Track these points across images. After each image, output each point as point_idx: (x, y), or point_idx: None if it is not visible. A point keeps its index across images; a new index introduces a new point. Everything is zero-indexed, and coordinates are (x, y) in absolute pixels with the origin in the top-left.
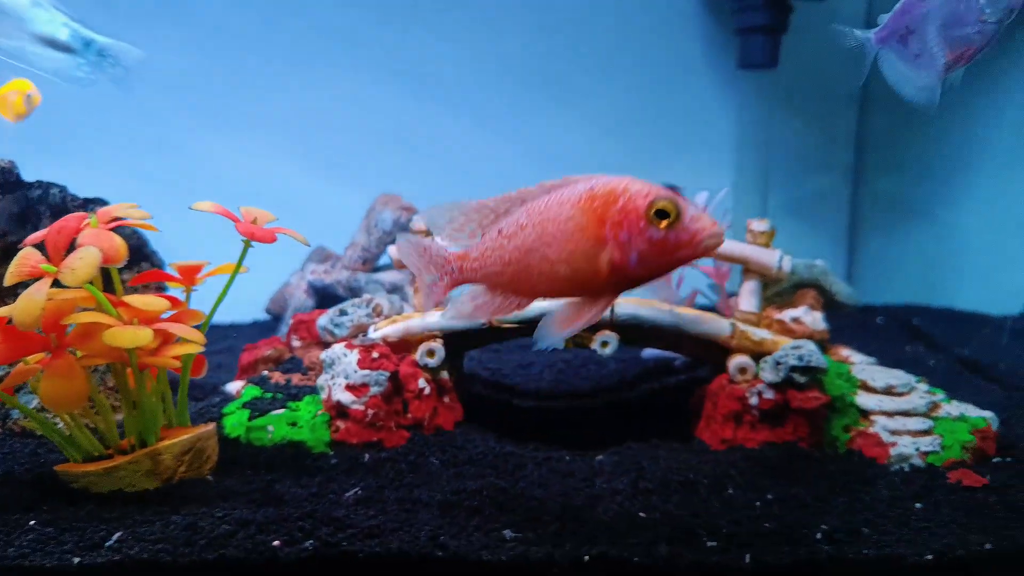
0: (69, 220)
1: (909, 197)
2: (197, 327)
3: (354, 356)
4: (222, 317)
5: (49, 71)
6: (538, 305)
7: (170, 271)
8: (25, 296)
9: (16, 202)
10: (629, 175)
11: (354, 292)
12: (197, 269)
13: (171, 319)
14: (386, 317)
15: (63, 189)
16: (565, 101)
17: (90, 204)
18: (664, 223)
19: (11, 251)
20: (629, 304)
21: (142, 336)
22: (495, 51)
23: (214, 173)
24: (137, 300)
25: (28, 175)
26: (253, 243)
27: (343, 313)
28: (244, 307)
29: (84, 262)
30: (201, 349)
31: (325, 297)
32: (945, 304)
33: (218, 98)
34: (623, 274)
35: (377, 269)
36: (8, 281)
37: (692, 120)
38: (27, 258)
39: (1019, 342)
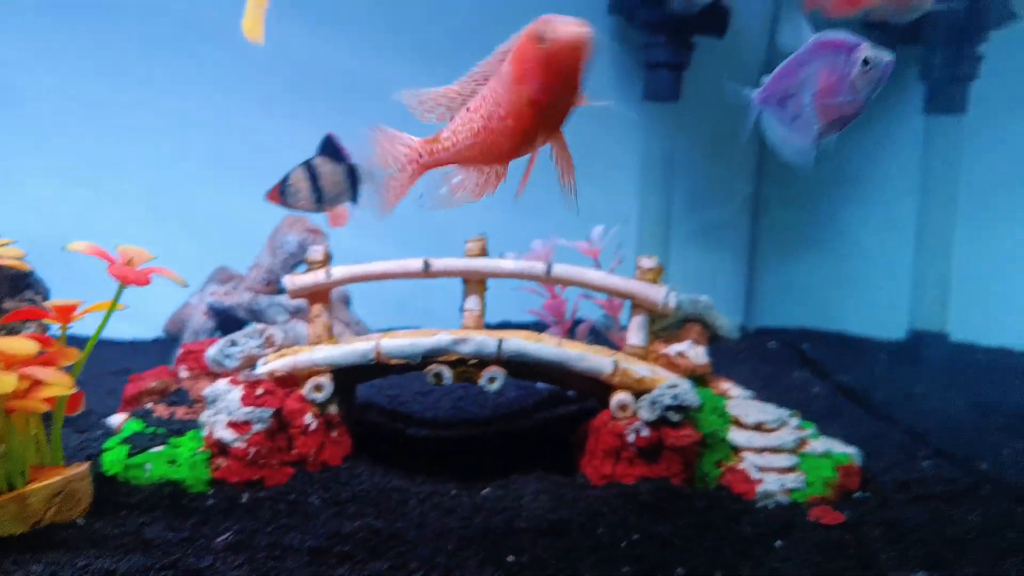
0: None
1: (805, 226)
2: (69, 368)
3: (238, 392)
4: (123, 333)
5: None
6: (425, 341)
7: (46, 307)
8: None
9: None
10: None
11: (255, 315)
12: (73, 308)
13: (44, 359)
14: (278, 348)
15: None
16: None
17: None
18: (542, 42)
19: None
20: (516, 340)
21: (5, 383)
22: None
23: (116, 179)
24: (3, 344)
25: None
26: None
27: (233, 344)
28: (147, 322)
29: None
30: (70, 392)
31: (226, 319)
32: (837, 328)
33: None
34: (539, 106)
35: (281, 291)
36: None
37: (601, 148)
38: None
39: (898, 368)
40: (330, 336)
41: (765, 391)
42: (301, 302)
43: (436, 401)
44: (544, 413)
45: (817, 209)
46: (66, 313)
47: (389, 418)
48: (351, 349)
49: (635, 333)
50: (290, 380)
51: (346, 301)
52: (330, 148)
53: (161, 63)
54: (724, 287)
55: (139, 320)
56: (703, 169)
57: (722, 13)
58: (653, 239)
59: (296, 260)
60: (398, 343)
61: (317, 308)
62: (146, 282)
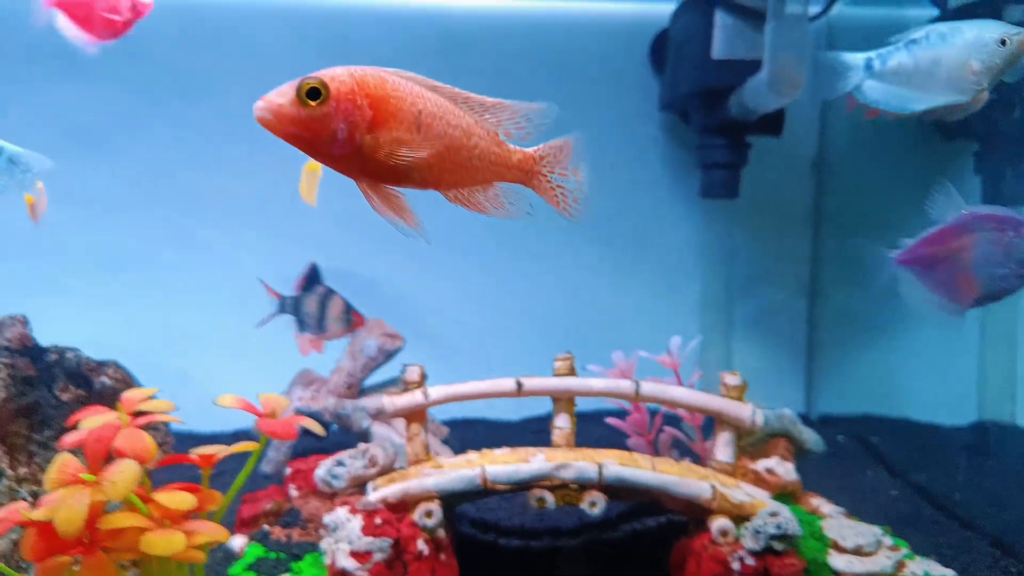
0: (106, 430)
1: (864, 310)
2: (210, 517)
3: (357, 522)
4: (201, 427)
5: None
6: (528, 468)
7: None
8: (67, 505)
9: (31, 365)
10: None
11: (341, 420)
12: (214, 455)
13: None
14: (381, 467)
15: (77, 353)
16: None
17: (103, 367)
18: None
19: (24, 411)
20: (616, 467)
21: (176, 543)
22: None
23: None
24: (166, 499)
25: None
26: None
27: (340, 464)
28: (224, 416)
29: (124, 476)
30: (225, 540)
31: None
32: (901, 414)
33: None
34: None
35: (362, 391)
36: (49, 487)
37: (660, 242)
38: (67, 465)
39: (971, 462)
40: (427, 454)
41: (842, 495)
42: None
43: (521, 506)
44: (632, 524)
45: (875, 291)
46: (208, 459)
47: (480, 528)
48: (458, 476)
49: (722, 450)
50: (401, 506)
51: None
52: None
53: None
54: (782, 373)
55: (215, 414)
56: (759, 256)
57: (779, 114)
58: (714, 330)
59: (375, 364)
60: (503, 470)
61: (415, 428)
62: (293, 436)
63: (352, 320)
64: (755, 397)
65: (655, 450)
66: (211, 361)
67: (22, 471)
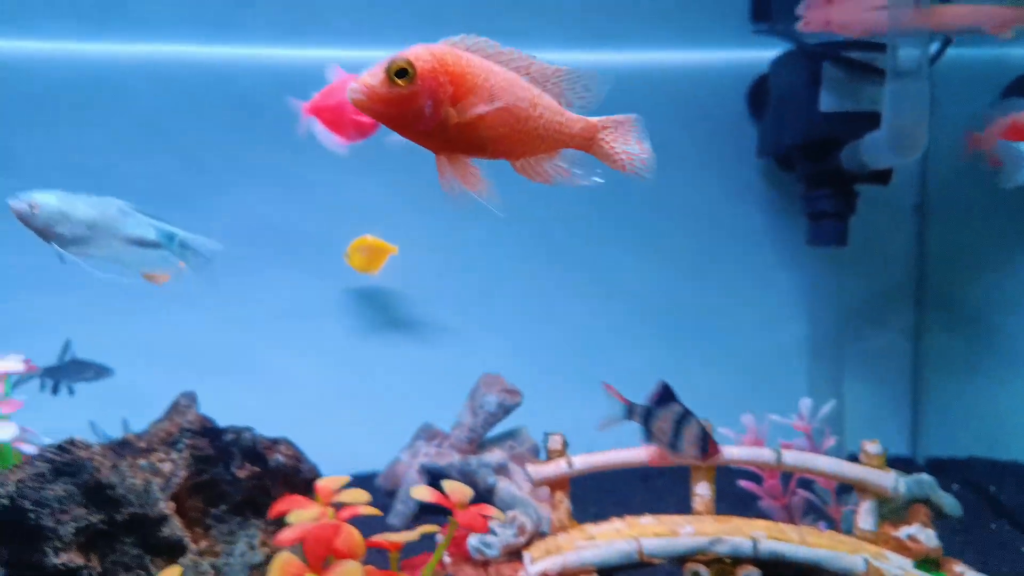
0: (325, 529)
1: (969, 350)
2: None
3: None
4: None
5: (144, 268)
6: (684, 542)
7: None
8: None
9: (211, 446)
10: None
11: (466, 476)
12: (400, 544)
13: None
14: (530, 534)
15: (252, 432)
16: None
17: (277, 444)
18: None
19: (201, 487)
20: (770, 542)
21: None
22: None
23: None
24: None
25: None
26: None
27: (493, 533)
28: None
29: None
30: None
31: (437, 479)
32: (1010, 457)
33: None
34: None
35: (481, 445)
36: None
37: (759, 287)
38: (289, 564)
39: None
40: (571, 521)
41: (970, 552)
42: (504, 459)
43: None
44: None
45: (980, 332)
46: (396, 545)
47: None
48: (615, 549)
49: (865, 518)
50: None
51: (535, 452)
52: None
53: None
54: (887, 416)
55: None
56: (862, 300)
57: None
58: (821, 377)
59: (496, 419)
60: (659, 544)
61: (560, 496)
62: (484, 529)
63: (708, 449)
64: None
65: (789, 513)
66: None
67: (202, 544)
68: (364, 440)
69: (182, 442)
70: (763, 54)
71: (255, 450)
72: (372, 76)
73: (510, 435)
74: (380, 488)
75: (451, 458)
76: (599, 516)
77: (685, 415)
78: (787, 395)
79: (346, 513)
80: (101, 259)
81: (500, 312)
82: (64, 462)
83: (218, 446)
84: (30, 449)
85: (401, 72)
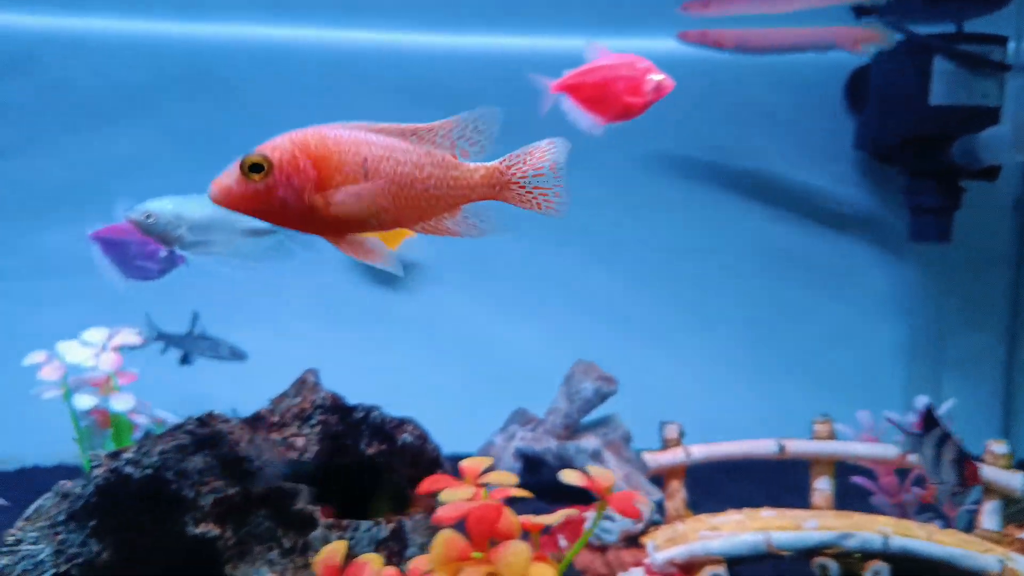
0: (488, 510)
1: None
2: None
3: None
4: None
5: (257, 257)
6: (813, 536)
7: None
8: None
9: (341, 422)
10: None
11: (564, 461)
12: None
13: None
14: (646, 522)
15: (380, 411)
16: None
17: (403, 424)
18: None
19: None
20: (901, 538)
21: None
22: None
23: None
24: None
25: None
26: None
27: (610, 519)
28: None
29: (519, 558)
30: None
31: (532, 464)
32: None
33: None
34: None
35: (575, 431)
36: (435, 564)
37: (853, 285)
38: (454, 543)
39: None
40: (687, 511)
41: None
42: (599, 445)
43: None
44: None
45: None
46: (538, 527)
47: None
48: (743, 541)
49: (989, 518)
50: (687, 567)
51: (627, 440)
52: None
53: None
54: (980, 417)
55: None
56: (958, 298)
57: None
58: (920, 377)
59: (591, 406)
60: (788, 536)
61: (676, 485)
62: (636, 515)
63: (966, 472)
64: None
65: (903, 511)
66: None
67: (331, 518)
68: (454, 421)
69: (314, 418)
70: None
71: (383, 428)
72: (227, 175)
73: (603, 422)
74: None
75: (547, 443)
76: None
77: (945, 437)
78: (883, 394)
79: (499, 494)
80: (221, 254)
81: (583, 303)
82: (204, 434)
83: (348, 423)
84: (143, 420)
85: (255, 167)
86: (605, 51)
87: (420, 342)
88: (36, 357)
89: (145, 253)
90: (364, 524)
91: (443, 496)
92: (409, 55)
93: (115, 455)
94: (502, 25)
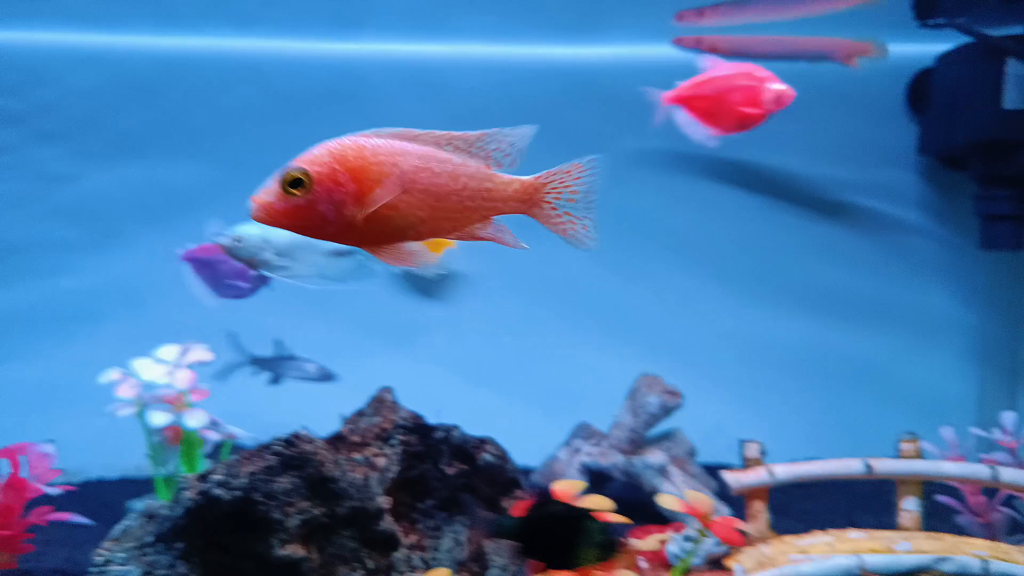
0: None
1: None
2: None
3: None
4: None
5: (339, 277)
6: (909, 560)
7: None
8: None
9: (421, 442)
10: None
11: (631, 478)
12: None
13: None
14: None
15: (460, 431)
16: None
17: (484, 444)
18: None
19: (409, 483)
20: (1001, 563)
21: None
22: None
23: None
24: None
25: None
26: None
27: (691, 540)
28: None
29: None
30: None
31: (598, 478)
32: None
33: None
34: None
35: (639, 446)
36: None
37: (929, 294)
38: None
39: None
40: (770, 531)
41: None
42: (665, 460)
43: None
44: None
45: None
46: (659, 555)
47: None
48: (836, 564)
49: None
50: None
51: (692, 453)
52: None
53: None
54: None
55: None
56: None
57: None
58: (993, 385)
59: (656, 420)
60: (882, 560)
61: (758, 506)
62: (739, 542)
63: None
64: None
65: (991, 531)
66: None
67: (411, 538)
68: (512, 435)
69: (395, 438)
70: (925, 48)
71: (464, 448)
72: (267, 192)
73: (667, 436)
74: (536, 484)
75: (614, 458)
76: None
77: None
78: (954, 408)
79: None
80: (304, 276)
81: (646, 314)
82: (291, 455)
83: (428, 443)
84: (214, 436)
85: (295, 182)
86: (714, 59)
87: (472, 356)
88: (112, 375)
89: (236, 272)
90: (444, 544)
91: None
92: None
93: (204, 477)
94: (496, 34)
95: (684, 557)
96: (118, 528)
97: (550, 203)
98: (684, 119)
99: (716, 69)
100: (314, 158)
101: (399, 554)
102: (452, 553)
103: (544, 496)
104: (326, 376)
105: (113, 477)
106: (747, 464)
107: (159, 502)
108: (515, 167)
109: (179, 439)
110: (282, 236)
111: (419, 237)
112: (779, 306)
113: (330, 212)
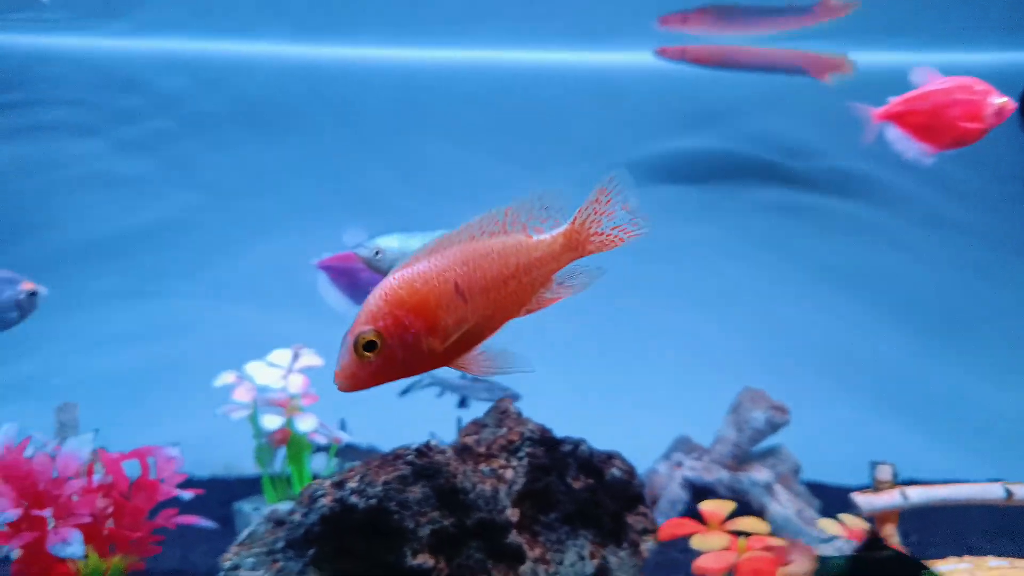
0: (765, 563)
1: None
2: None
3: None
4: None
5: None
6: None
7: None
8: None
9: (547, 455)
10: None
11: (736, 494)
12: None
13: None
14: None
15: (588, 445)
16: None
17: (611, 459)
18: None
19: (532, 495)
20: None
21: None
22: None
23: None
24: None
25: None
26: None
27: None
28: None
29: None
30: None
31: (701, 494)
32: None
33: None
34: None
35: (742, 462)
36: None
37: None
38: None
39: None
40: None
41: None
42: (771, 478)
43: None
44: None
45: None
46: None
47: None
48: None
49: None
50: None
51: (797, 471)
52: None
53: None
54: None
55: None
56: None
57: None
58: None
59: (762, 437)
60: None
61: (889, 529)
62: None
63: None
64: None
65: None
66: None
67: (536, 552)
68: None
69: (523, 450)
70: None
71: (591, 462)
72: (346, 365)
73: (771, 453)
74: None
75: (718, 474)
76: None
77: None
78: None
79: (756, 543)
80: None
81: (740, 322)
82: (423, 465)
83: (555, 456)
84: (321, 440)
85: (369, 346)
86: (935, 74)
87: (563, 365)
88: (227, 378)
89: (375, 282)
90: (567, 558)
91: (696, 543)
92: None
93: (339, 484)
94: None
95: None
96: (244, 533)
97: (599, 235)
98: (896, 136)
99: (931, 83)
100: (374, 313)
101: (525, 568)
102: (575, 568)
103: (872, 537)
104: (513, 397)
105: (203, 476)
106: (878, 486)
107: (285, 507)
108: (561, 220)
109: (285, 441)
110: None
111: (494, 330)
112: (896, 317)
113: (409, 355)
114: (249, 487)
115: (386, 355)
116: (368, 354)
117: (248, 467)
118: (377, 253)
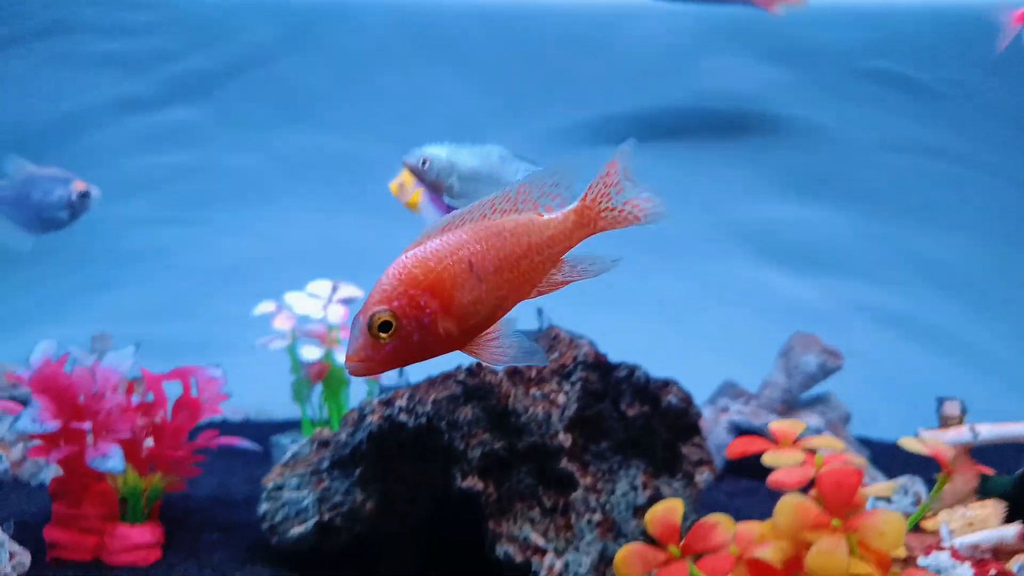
0: (847, 475)
1: None
2: None
3: (966, 570)
4: None
5: None
6: None
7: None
8: (826, 553)
9: (600, 380)
10: None
11: None
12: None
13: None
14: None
15: (644, 371)
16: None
17: (668, 386)
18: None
19: (583, 422)
20: None
21: None
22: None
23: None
24: (877, 540)
25: None
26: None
27: (887, 500)
28: None
29: (891, 528)
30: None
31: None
32: None
33: None
34: None
35: (792, 407)
36: (782, 536)
37: None
38: (806, 510)
39: None
40: (973, 496)
41: None
42: (822, 425)
43: None
44: None
45: None
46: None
47: None
48: None
49: None
50: (996, 552)
51: (846, 419)
52: None
53: None
54: None
55: None
56: None
57: None
58: None
59: (814, 382)
60: None
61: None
62: None
63: None
64: None
65: None
66: None
67: (587, 480)
68: None
69: (575, 374)
70: None
71: (647, 389)
72: (360, 346)
73: (819, 400)
74: None
75: (766, 418)
76: None
77: None
78: None
79: (835, 459)
80: None
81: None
82: (474, 385)
83: (609, 382)
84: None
85: (384, 326)
86: None
87: (605, 309)
88: (266, 307)
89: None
90: (619, 488)
91: (768, 460)
92: None
93: (388, 402)
94: None
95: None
96: (288, 454)
97: (611, 209)
98: None
99: None
100: (388, 293)
101: (577, 495)
102: (627, 498)
103: None
104: None
105: (235, 420)
106: (945, 423)
107: (328, 430)
108: (570, 200)
109: (323, 376)
110: (468, 162)
111: (506, 311)
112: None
113: (425, 337)
114: (284, 429)
115: (402, 336)
116: (383, 335)
117: (280, 411)
118: (424, 162)
